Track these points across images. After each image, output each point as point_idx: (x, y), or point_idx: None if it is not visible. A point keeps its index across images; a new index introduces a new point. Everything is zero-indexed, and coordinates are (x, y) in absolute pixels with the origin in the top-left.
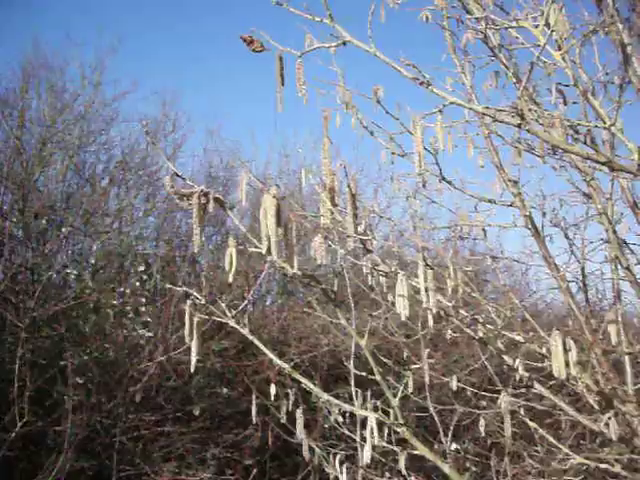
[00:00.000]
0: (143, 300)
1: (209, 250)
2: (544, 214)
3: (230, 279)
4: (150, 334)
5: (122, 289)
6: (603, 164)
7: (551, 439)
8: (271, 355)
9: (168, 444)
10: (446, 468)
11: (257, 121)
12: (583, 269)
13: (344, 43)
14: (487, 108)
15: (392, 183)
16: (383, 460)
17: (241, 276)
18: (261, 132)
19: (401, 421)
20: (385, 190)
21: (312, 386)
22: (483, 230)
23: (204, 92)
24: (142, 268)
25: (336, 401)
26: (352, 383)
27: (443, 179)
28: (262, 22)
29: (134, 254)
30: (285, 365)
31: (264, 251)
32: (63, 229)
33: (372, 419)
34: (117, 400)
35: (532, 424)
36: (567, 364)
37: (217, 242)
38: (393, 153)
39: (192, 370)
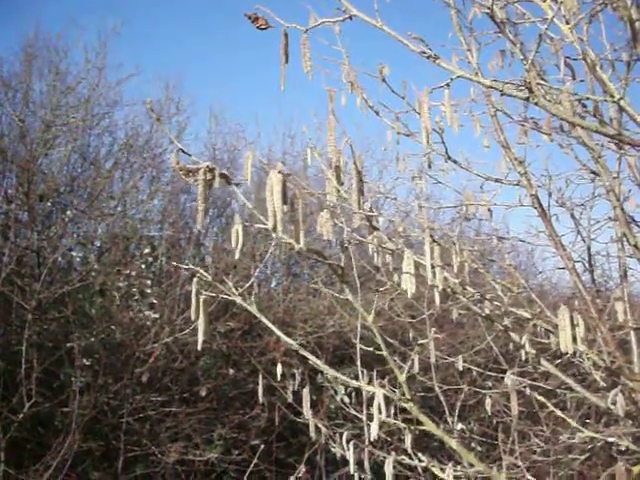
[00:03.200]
0: (149, 282)
1: (214, 232)
2: (550, 194)
3: (237, 256)
4: (156, 316)
5: (128, 271)
6: (612, 137)
7: (559, 412)
8: (278, 332)
9: (175, 425)
10: (453, 443)
11: (261, 104)
12: (589, 249)
13: (350, 17)
14: (495, 81)
15: (397, 163)
16: (389, 440)
17: (246, 257)
18: (265, 115)
19: (408, 397)
20: (390, 172)
21: (319, 362)
22: (489, 210)
23: (207, 75)
24: (147, 250)
25: (343, 377)
26: (358, 362)
27: (449, 158)
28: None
29: (139, 236)
30: (292, 342)
31: (270, 227)
32: (68, 212)
33: (379, 395)
34: (124, 381)
35: (540, 398)
36: (574, 339)
37: (222, 224)
38: (399, 132)
39: (199, 348)
